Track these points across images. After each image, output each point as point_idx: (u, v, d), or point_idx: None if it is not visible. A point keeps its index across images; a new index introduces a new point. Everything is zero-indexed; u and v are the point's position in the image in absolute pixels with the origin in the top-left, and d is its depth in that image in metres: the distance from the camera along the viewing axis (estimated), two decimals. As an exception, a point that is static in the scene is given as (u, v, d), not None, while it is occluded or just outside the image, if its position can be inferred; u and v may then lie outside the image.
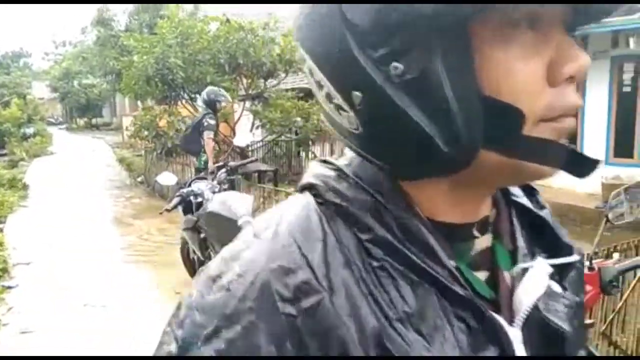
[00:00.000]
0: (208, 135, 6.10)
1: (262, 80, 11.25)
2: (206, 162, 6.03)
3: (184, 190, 3.51)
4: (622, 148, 8.14)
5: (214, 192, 3.57)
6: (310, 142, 10.61)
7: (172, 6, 12.51)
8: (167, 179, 3.59)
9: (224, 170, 3.82)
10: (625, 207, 1.90)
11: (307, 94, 12.50)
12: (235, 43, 10.00)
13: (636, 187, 1.91)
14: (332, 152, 13.16)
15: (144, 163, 11.59)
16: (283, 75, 11.28)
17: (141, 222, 7.60)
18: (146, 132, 9.89)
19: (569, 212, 8.00)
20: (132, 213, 8.52)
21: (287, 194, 5.17)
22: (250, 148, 11.72)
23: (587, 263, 1.57)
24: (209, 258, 3.69)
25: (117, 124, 28.32)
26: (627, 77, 7.97)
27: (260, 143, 12.15)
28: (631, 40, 7.07)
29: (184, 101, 10.71)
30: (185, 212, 3.67)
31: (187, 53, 9.91)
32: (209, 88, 6.88)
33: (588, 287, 1.54)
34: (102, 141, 23.69)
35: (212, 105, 6.32)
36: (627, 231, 7.53)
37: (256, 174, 9.67)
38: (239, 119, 10.83)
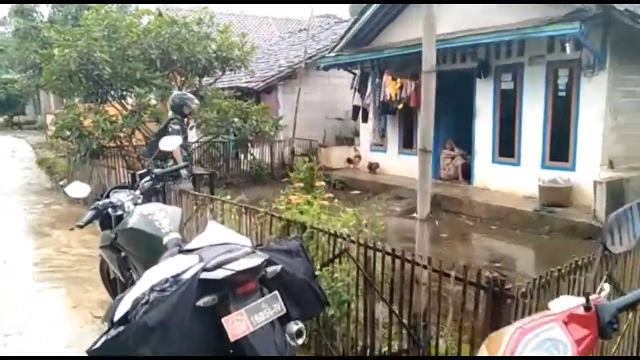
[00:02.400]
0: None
1: (197, 78, 10.70)
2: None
3: (100, 203, 3.03)
4: (557, 152, 8.29)
5: (135, 204, 3.11)
6: (249, 144, 10.17)
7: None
8: (77, 190, 3.07)
9: (147, 178, 3.37)
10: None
11: (245, 93, 12.07)
12: (167, 38, 9.40)
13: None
14: (271, 154, 12.80)
15: (67, 166, 10.70)
16: (219, 73, 10.78)
17: (60, 232, 6.88)
18: (69, 132, 9.08)
19: (509, 215, 8.04)
20: (50, 221, 7.73)
21: (223, 202, 4.74)
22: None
23: (582, 301, 1.30)
24: (132, 280, 3.22)
25: (42, 123, 26.52)
26: (562, 82, 8.11)
27: (196, 144, 11.55)
28: (567, 46, 7.17)
29: (111, 99, 9.96)
30: (103, 226, 3.19)
31: (115, 47, 9.20)
32: (175, 93, 6.83)
33: (584, 331, 1.26)
34: (23, 141, 21.98)
35: (177, 109, 6.26)
36: (563, 235, 7.76)
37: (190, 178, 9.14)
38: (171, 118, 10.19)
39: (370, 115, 10.95)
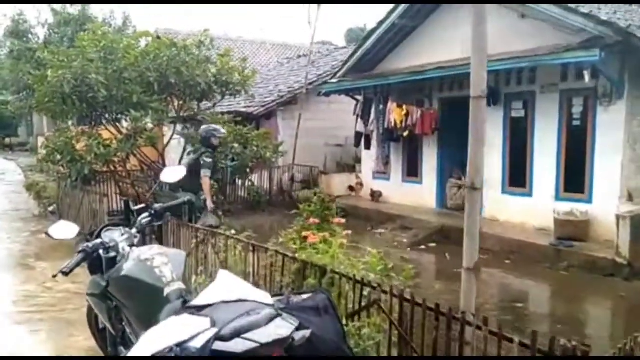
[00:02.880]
0: (205, 174, 6.10)
1: (195, 102, 10.35)
2: (205, 202, 6.10)
3: (90, 244, 2.59)
4: (572, 183, 7.94)
5: (131, 246, 2.68)
6: (248, 170, 9.75)
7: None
8: (62, 231, 2.62)
9: (146, 214, 2.94)
10: None
11: (245, 119, 11.72)
12: (166, 60, 9.06)
13: None
14: (270, 180, 12.39)
15: (57, 191, 10.22)
16: (219, 97, 10.44)
17: (46, 264, 6.38)
18: (59, 156, 8.63)
19: (523, 248, 7.64)
20: (35, 252, 7.21)
21: (228, 238, 4.31)
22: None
23: None
24: (124, 333, 2.76)
25: (33, 145, 26.05)
26: (577, 111, 7.82)
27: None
28: (585, 74, 6.88)
29: (105, 122, 9.56)
30: (93, 270, 2.74)
31: (111, 69, 8.84)
32: (204, 126, 6.91)
33: None
34: (14, 163, 21.46)
35: (205, 142, 6.38)
36: (583, 271, 7.33)
37: (187, 207, 8.69)
38: (168, 142, 9.82)
39: (374, 142, 10.61)
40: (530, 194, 8.52)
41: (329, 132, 13.93)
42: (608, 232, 7.39)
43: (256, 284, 3.77)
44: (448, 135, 10.02)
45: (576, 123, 7.87)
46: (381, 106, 10.28)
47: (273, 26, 55.60)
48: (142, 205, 2.97)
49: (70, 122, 11.05)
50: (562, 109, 8.00)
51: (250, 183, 11.70)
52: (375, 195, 11.23)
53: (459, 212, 9.79)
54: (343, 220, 4.42)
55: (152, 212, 2.95)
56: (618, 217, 6.57)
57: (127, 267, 2.43)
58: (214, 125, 7.03)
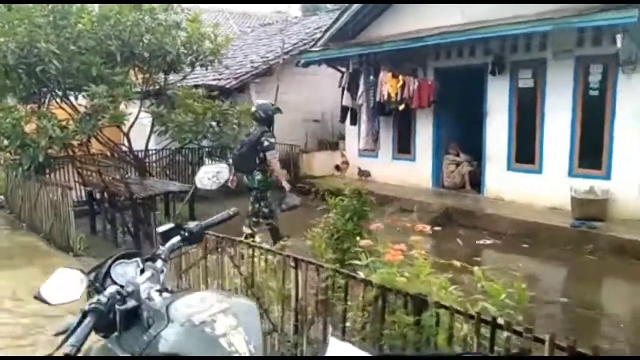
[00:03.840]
0: (273, 156, 5.94)
1: (162, 74, 9.13)
2: (260, 182, 5.97)
3: (103, 300, 1.61)
4: (588, 158, 7.39)
5: (162, 290, 1.73)
6: (228, 151, 8.69)
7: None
8: (62, 287, 1.61)
9: (177, 239, 1.96)
10: None
11: (216, 92, 10.54)
12: (129, 26, 7.81)
13: None
14: (245, 161, 11.34)
15: (5, 182, 8.86)
16: (188, 69, 9.24)
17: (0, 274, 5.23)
18: (7, 141, 7.31)
19: (539, 231, 7.03)
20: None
21: (253, 248, 3.37)
22: (147, 159, 9.52)
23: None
24: None
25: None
26: (594, 79, 7.20)
27: (165, 151, 9.96)
28: (618, 38, 6.21)
29: (59, 100, 8.25)
30: (100, 328, 1.77)
31: (64, 37, 7.52)
32: (259, 103, 6.52)
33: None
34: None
35: (266, 121, 6.10)
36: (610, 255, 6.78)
37: (161, 197, 7.56)
38: (134, 122, 8.58)
39: (363, 117, 9.73)
40: (539, 171, 7.92)
41: (306, 107, 12.93)
42: (628, 211, 6.91)
43: (306, 318, 2.89)
44: (444, 107, 9.29)
45: (593, 93, 7.27)
46: (371, 77, 9.38)
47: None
48: (170, 225, 1.99)
49: (12, 100, 9.56)
50: (577, 78, 7.37)
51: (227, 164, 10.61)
52: (364, 175, 10.41)
53: (457, 191, 9.17)
54: (427, 228, 3.51)
55: (185, 234, 1.98)
56: (653, 196, 6.03)
57: (173, 338, 1.48)
58: (264, 102, 6.62)
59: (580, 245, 6.56)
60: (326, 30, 10.34)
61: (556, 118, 7.62)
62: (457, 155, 9.29)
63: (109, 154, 8.71)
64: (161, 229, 1.95)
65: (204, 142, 9.08)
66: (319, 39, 10.59)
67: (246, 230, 6.03)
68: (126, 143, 8.82)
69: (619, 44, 6.23)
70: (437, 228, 7.73)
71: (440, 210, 8.13)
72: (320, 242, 3.76)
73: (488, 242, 7.13)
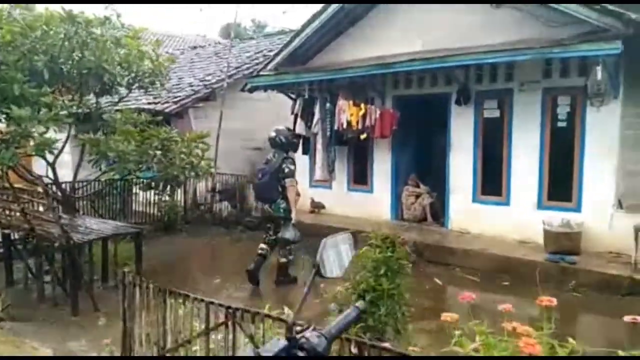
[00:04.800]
0: (291, 183, 5.91)
1: (94, 96, 8.00)
2: (285, 210, 5.92)
3: None
4: (558, 190, 7.28)
5: None
6: (174, 185, 7.69)
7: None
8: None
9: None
10: None
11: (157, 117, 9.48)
12: (60, 40, 6.72)
13: None
14: (184, 192, 10.29)
15: None
16: (124, 90, 8.19)
17: None
18: None
19: (517, 266, 6.73)
20: None
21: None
22: (76, 191, 8.25)
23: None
24: None
25: None
26: (563, 111, 7.16)
27: (95, 184, 8.71)
28: (598, 70, 6.15)
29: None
30: None
31: (-22, 49, 6.30)
32: (278, 128, 6.37)
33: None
34: None
35: (288, 147, 6.10)
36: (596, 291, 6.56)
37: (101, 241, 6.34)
38: (61, 150, 7.35)
39: (319, 147, 9.16)
40: (507, 203, 7.73)
41: (246, 134, 12.17)
42: (600, 244, 6.83)
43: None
44: (403, 137, 8.95)
45: (561, 124, 7.21)
46: (328, 104, 8.86)
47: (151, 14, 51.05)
48: (281, 344, 1.18)
49: None
50: (544, 109, 7.29)
51: (161, 198, 9.52)
52: (317, 207, 9.78)
53: (418, 224, 8.79)
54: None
55: (302, 353, 1.21)
56: (637, 230, 5.93)
57: None
58: (283, 128, 6.46)
59: (562, 281, 6.31)
60: (276, 54, 9.73)
61: (524, 149, 7.49)
62: (417, 186, 8.95)
63: (27, 188, 7.39)
64: (267, 351, 1.17)
65: (140, 174, 8.02)
66: (267, 63, 9.94)
67: (283, 260, 6.21)
68: (51, 175, 7.55)
69: (598, 76, 6.16)
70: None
71: (409, 246, 7.64)
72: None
73: (467, 280, 6.73)
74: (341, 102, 8.49)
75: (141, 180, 8.50)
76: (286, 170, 5.86)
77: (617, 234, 6.74)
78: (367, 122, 8.30)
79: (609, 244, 6.81)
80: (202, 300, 2.68)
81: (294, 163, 6.00)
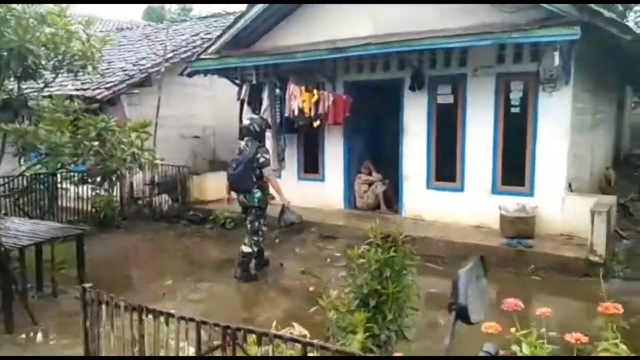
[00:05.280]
0: (269, 172, 5.97)
1: (15, 81, 7.10)
2: (259, 200, 5.93)
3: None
4: (511, 175, 7.36)
5: None
6: (114, 178, 6.99)
7: None
8: None
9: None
10: None
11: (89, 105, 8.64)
12: (-27, 15, 5.84)
13: None
14: (120, 186, 9.50)
15: None
16: (49, 75, 7.35)
17: None
18: None
19: (477, 252, 6.72)
20: None
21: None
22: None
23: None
24: None
25: None
26: (516, 96, 7.21)
27: (19, 180, 7.79)
28: (555, 55, 6.19)
29: None
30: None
31: None
32: (252, 116, 6.49)
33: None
34: None
35: (261, 135, 6.11)
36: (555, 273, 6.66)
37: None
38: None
39: (268, 135, 8.72)
40: (461, 189, 7.74)
41: (184, 122, 11.50)
42: (552, 227, 7.00)
43: None
44: (355, 124, 8.73)
45: (515, 110, 7.27)
46: (278, 90, 8.45)
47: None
48: None
49: None
50: (498, 95, 7.32)
51: (98, 193, 8.72)
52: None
53: (372, 212, 8.63)
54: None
55: None
56: (593, 212, 6.07)
57: None
58: (254, 115, 6.61)
59: (521, 265, 6.40)
60: (218, 37, 9.15)
61: (478, 135, 7.50)
62: (370, 173, 8.79)
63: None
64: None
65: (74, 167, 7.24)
66: (208, 46, 9.34)
67: (246, 249, 6.08)
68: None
69: (556, 62, 6.23)
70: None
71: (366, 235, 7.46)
72: (354, 312, 2.74)
73: (430, 269, 6.65)
74: (292, 88, 8.11)
75: (72, 174, 7.71)
76: (261, 159, 5.84)
77: (568, 217, 6.93)
78: (320, 109, 8.00)
79: (560, 227, 6.99)
80: (192, 320, 2.27)
81: (267, 152, 5.98)
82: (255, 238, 6.14)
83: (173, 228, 8.95)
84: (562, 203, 6.97)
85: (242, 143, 6.01)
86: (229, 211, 8.90)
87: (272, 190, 6.36)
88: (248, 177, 5.87)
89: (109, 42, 7.82)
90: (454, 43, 6.46)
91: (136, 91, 9.87)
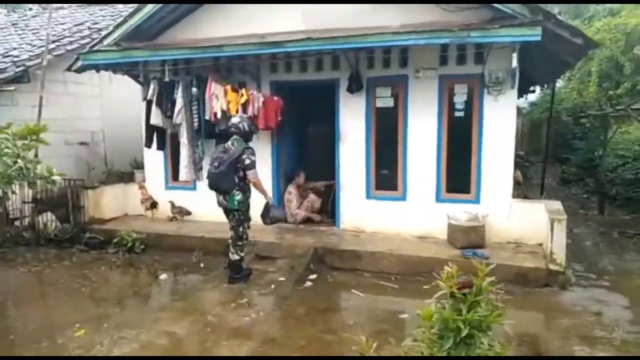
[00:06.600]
0: (255, 176, 5.74)
1: None
2: (240, 202, 5.73)
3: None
4: (455, 182, 7.03)
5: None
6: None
7: None
8: None
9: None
10: None
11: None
12: None
13: None
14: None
15: None
16: None
17: None
18: None
19: (432, 266, 6.14)
20: None
21: None
22: None
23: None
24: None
25: None
26: (460, 100, 6.88)
27: None
28: (514, 57, 5.90)
29: None
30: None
31: None
32: (239, 115, 6.21)
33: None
34: None
35: (249, 136, 5.90)
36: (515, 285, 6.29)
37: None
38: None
39: (184, 141, 7.52)
40: (403, 197, 7.25)
41: (70, 126, 9.75)
42: (500, 235, 6.80)
43: None
44: (284, 129, 7.88)
45: (459, 114, 6.94)
46: (194, 89, 7.31)
47: None
48: None
49: None
50: (441, 98, 6.94)
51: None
52: (181, 213, 8.14)
53: (305, 225, 7.88)
54: None
55: None
56: (552, 220, 5.88)
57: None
58: (245, 115, 6.40)
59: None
60: (117, 26, 7.71)
61: (420, 140, 7.08)
62: (304, 183, 8.01)
63: None
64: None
65: None
66: (104, 37, 7.86)
67: (234, 257, 5.92)
68: None
69: (514, 63, 5.95)
70: (312, 277, 6.33)
71: (309, 253, 6.67)
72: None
73: (385, 287, 6.03)
74: (213, 87, 7.03)
75: None
76: (247, 161, 5.61)
77: (515, 224, 6.76)
78: (250, 111, 7.03)
79: (507, 234, 6.80)
80: None
81: (254, 154, 5.71)
82: (240, 243, 5.94)
83: (66, 255, 7.35)
84: (509, 210, 6.78)
85: (229, 142, 5.73)
86: (136, 230, 7.57)
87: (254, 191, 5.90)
88: (230, 178, 5.61)
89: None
90: (408, 40, 5.90)
91: (11, 88, 8.02)
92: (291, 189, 7.94)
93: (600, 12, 16.66)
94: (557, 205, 6.64)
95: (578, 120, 14.28)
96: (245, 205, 5.82)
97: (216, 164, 5.70)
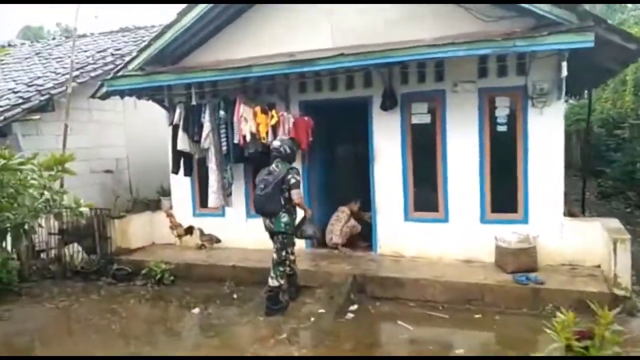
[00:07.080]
0: (299, 195, 5.62)
1: None
2: (287, 224, 5.61)
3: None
4: (502, 201, 6.59)
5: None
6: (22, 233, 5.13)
7: None
8: None
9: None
10: None
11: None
12: None
13: None
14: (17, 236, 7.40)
15: None
16: None
17: None
18: None
19: (481, 293, 5.81)
20: None
21: None
22: None
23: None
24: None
25: None
26: (502, 114, 6.50)
27: None
28: (563, 66, 5.52)
29: None
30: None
31: None
32: (282, 138, 6.24)
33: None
34: None
35: (292, 157, 5.79)
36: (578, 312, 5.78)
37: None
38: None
39: (212, 166, 7.25)
40: (445, 219, 6.84)
41: (95, 154, 9.59)
42: (552, 257, 6.32)
43: None
44: (315, 151, 7.57)
45: (501, 128, 6.55)
46: (221, 112, 7.05)
47: None
48: None
49: None
50: (482, 112, 6.56)
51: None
52: (211, 241, 7.83)
53: (338, 251, 7.48)
54: None
55: None
56: (615, 240, 5.40)
57: None
58: (286, 137, 6.39)
59: (535, 305, 5.56)
60: (141, 50, 7.55)
61: (461, 157, 6.68)
62: (358, 211, 7.67)
63: None
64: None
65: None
66: (129, 62, 7.70)
67: (273, 282, 5.70)
68: None
69: (564, 72, 5.56)
70: (353, 307, 5.92)
71: (347, 281, 6.27)
72: None
73: (434, 317, 5.59)
74: (241, 109, 6.77)
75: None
76: (292, 180, 5.52)
77: (568, 245, 6.29)
78: (280, 133, 6.74)
79: (560, 257, 6.33)
80: None
81: (299, 173, 5.65)
82: (282, 269, 5.72)
83: (93, 288, 7.07)
84: (562, 229, 6.31)
85: (273, 165, 5.69)
86: (164, 261, 7.27)
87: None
88: (276, 199, 5.52)
89: (5, 52, 5.98)
90: (447, 52, 5.55)
91: (36, 117, 7.87)
92: (345, 208, 7.55)
93: (628, 19, 16.13)
94: (615, 223, 6.16)
95: (611, 132, 13.71)
96: (291, 227, 5.68)
97: (262, 185, 5.61)
